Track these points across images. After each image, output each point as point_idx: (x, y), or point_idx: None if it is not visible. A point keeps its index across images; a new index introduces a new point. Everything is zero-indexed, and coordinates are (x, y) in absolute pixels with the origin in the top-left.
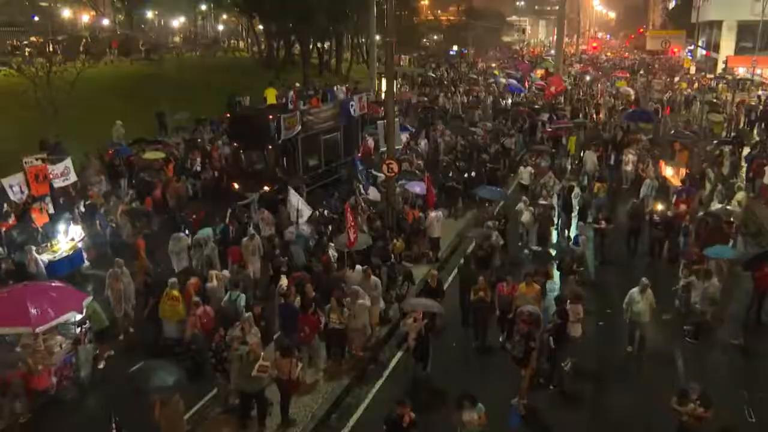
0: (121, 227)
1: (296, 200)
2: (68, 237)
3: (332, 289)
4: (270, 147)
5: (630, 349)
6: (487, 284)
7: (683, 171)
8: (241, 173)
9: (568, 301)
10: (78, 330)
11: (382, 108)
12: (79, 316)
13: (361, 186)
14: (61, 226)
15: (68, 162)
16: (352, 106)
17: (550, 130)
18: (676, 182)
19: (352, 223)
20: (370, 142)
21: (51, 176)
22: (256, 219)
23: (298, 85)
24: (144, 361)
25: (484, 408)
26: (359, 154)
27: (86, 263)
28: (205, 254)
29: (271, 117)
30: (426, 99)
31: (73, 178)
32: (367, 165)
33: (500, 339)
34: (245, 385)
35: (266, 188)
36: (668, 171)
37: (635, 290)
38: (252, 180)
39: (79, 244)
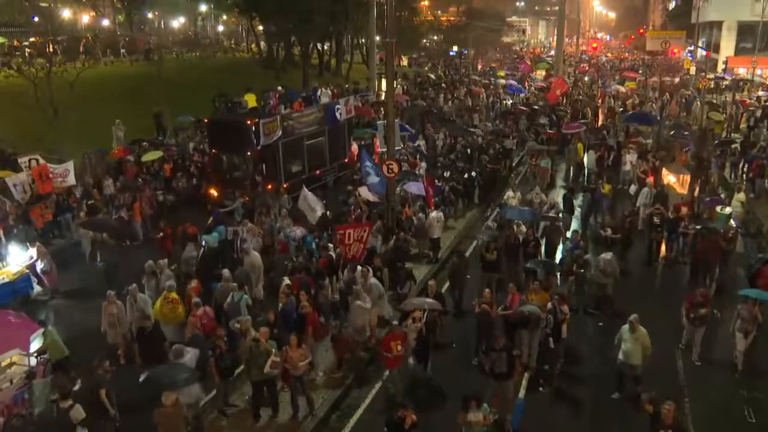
0: (83, 244)
1: (311, 198)
2: (23, 259)
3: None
4: (249, 153)
5: (615, 396)
6: (491, 291)
7: (686, 178)
8: (220, 180)
9: (557, 301)
10: (35, 362)
11: (381, 110)
12: (34, 346)
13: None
14: (12, 248)
15: (69, 165)
16: (338, 109)
17: (552, 131)
18: (681, 190)
19: (354, 240)
20: (355, 147)
21: (52, 176)
22: (244, 234)
23: (280, 88)
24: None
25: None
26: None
27: (37, 289)
28: (160, 287)
29: (249, 122)
30: (423, 103)
31: (71, 181)
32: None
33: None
34: (257, 375)
35: (245, 197)
36: (671, 178)
37: (625, 327)
38: (230, 187)
39: (38, 266)
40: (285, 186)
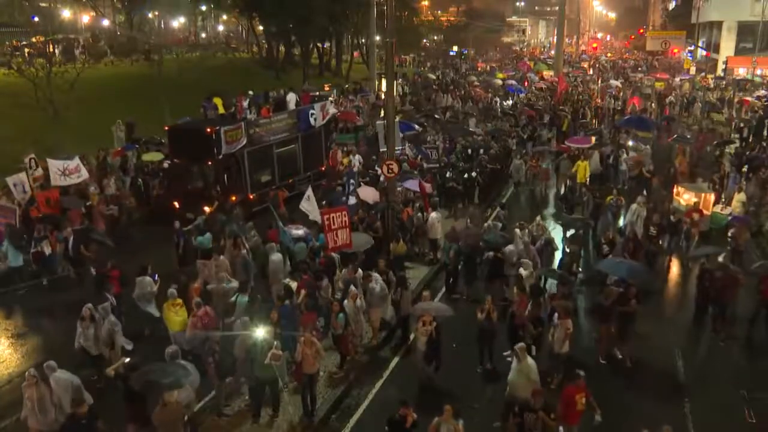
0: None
1: (311, 201)
2: None
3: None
4: (210, 163)
5: (496, 425)
6: (493, 301)
7: (709, 197)
8: (181, 192)
9: (557, 315)
10: None
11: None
12: None
13: (364, 187)
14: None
15: (77, 160)
16: (312, 114)
17: (563, 146)
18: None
19: (339, 226)
20: (340, 154)
21: (67, 172)
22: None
23: (251, 92)
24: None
25: (478, 413)
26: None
27: None
28: (103, 331)
29: (209, 130)
30: (413, 108)
31: (85, 175)
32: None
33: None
34: (259, 373)
35: (207, 209)
36: (689, 197)
37: (515, 361)
38: (192, 200)
39: None
40: (251, 197)
